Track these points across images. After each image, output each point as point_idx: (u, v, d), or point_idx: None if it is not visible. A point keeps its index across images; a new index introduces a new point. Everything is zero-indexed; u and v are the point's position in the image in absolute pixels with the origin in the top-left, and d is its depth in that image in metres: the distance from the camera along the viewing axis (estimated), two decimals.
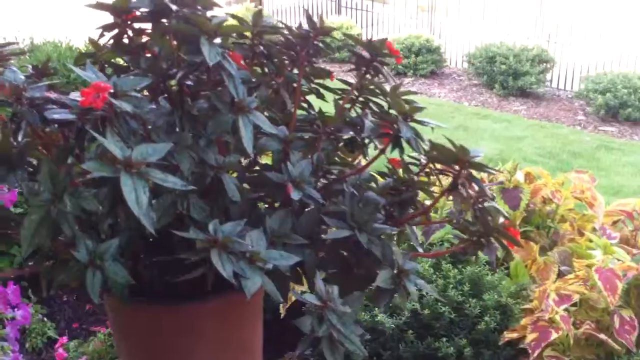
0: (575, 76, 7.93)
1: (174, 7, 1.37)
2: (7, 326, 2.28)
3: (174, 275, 1.35)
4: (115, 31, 1.56)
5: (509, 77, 7.63)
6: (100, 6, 1.51)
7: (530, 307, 2.64)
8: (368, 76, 1.69)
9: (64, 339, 2.73)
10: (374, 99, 1.74)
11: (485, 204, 1.51)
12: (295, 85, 1.66)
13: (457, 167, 1.42)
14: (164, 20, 1.45)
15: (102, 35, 1.60)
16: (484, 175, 2.95)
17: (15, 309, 2.30)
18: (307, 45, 1.56)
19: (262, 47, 1.55)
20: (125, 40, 1.57)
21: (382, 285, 1.39)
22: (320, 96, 1.75)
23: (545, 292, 2.57)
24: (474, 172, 1.44)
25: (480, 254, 2.48)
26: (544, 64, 7.84)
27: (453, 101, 7.65)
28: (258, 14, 1.52)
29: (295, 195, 1.42)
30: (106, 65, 1.68)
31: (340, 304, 1.32)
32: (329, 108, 1.71)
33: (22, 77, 1.30)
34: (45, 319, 2.92)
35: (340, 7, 9.91)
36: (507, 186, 3.10)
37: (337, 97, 1.76)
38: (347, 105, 1.72)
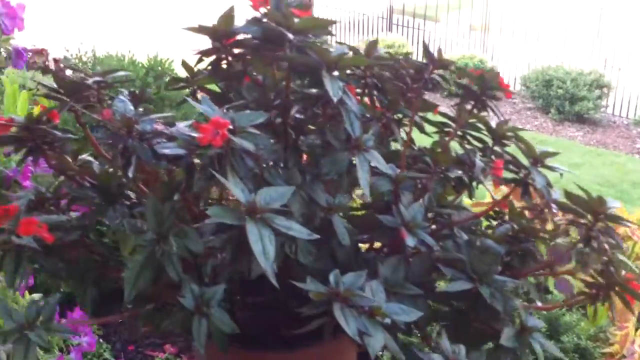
0: (631, 102, 7.72)
1: (290, 36, 1.27)
2: (71, 352, 2.21)
3: (284, 326, 1.25)
4: (213, 57, 1.48)
5: (566, 102, 7.44)
6: (200, 30, 1.43)
7: (610, 352, 2.52)
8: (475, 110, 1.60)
9: None
10: (474, 133, 1.64)
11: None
12: (399, 118, 1.57)
13: (590, 218, 1.31)
14: (272, 48, 1.36)
15: (200, 60, 1.52)
16: None
17: (82, 335, 2.23)
18: (421, 78, 1.45)
19: (374, 79, 1.45)
20: (224, 66, 1.49)
21: (505, 343, 1.27)
22: (423, 131, 1.64)
23: (627, 336, 2.45)
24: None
25: (554, 291, 2.38)
26: (601, 89, 7.64)
27: None
28: (372, 44, 1.41)
29: (410, 241, 1.31)
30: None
31: None
32: (422, 141, 1.62)
33: (132, 108, 1.21)
34: (101, 340, 2.85)
35: (391, 24, 9.78)
36: None
37: (437, 130, 1.67)
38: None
